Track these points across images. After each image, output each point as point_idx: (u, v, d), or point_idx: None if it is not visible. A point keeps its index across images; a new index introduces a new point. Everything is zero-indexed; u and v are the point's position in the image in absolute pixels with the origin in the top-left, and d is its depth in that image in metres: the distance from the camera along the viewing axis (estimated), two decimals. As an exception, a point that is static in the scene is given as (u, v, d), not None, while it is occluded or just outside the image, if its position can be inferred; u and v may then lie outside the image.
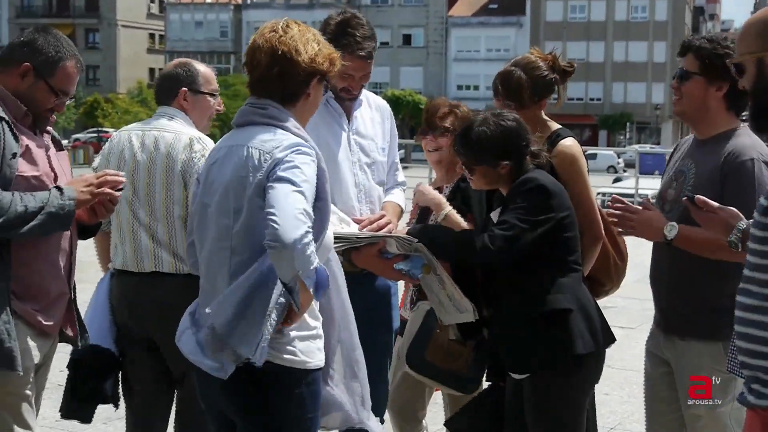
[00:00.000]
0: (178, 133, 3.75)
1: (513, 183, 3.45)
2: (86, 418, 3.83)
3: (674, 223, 3.25)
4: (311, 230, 2.66)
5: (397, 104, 51.57)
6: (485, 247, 3.32)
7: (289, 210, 2.64)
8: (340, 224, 3.66)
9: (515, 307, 3.42)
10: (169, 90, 3.88)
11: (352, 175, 3.88)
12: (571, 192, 3.67)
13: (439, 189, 4.10)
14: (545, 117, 3.91)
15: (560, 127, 3.88)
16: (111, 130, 51.52)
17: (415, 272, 3.57)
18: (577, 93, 61.85)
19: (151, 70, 73.66)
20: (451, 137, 3.97)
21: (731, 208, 2.96)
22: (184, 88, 3.85)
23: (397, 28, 66.00)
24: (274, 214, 2.64)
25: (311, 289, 2.74)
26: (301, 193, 2.70)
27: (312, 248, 2.65)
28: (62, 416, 3.80)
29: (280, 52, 2.91)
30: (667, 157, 3.83)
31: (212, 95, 3.93)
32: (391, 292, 4.00)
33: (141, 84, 63.91)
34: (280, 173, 2.75)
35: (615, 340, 3.55)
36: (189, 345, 2.96)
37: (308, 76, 2.95)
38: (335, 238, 3.36)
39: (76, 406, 3.78)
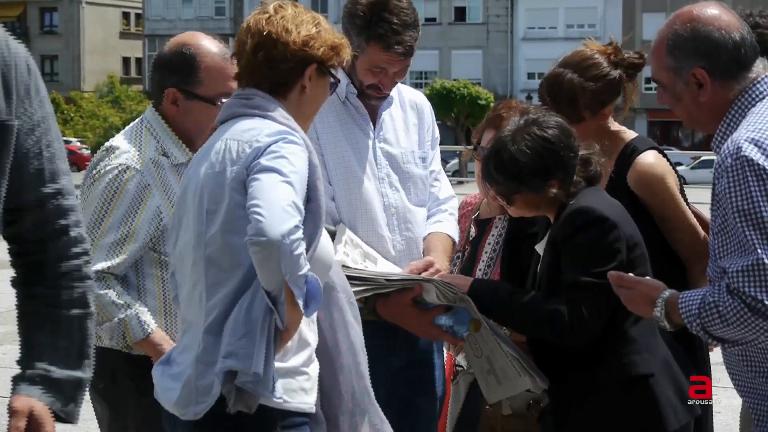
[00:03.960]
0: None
1: (561, 206, 3.50)
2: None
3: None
4: (302, 226, 2.84)
5: (448, 99, 51.54)
6: (575, 327, 3.36)
7: (276, 201, 2.84)
8: (364, 261, 3.67)
9: (577, 371, 3.45)
10: (159, 85, 3.76)
11: (379, 196, 3.92)
12: (664, 221, 3.69)
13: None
14: (613, 127, 3.95)
15: (636, 136, 3.92)
16: (74, 140, 51.88)
17: (460, 329, 3.55)
18: (687, 80, 61.51)
19: (125, 60, 74.49)
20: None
21: (652, 279, 3.13)
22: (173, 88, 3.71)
23: (447, 0, 66.25)
24: (257, 206, 2.83)
25: (300, 302, 2.83)
26: (290, 184, 2.90)
27: (302, 249, 2.83)
28: None
29: (265, 33, 3.13)
30: None
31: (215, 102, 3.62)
32: (434, 348, 4.04)
33: (113, 78, 64.54)
34: (264, 163, 2.95)
35: (709, 399, 3.57)
36: (159, 379, 3.16)
37: (299, 62, 3.15)
38: (357, 278, 3.39)
39: None
